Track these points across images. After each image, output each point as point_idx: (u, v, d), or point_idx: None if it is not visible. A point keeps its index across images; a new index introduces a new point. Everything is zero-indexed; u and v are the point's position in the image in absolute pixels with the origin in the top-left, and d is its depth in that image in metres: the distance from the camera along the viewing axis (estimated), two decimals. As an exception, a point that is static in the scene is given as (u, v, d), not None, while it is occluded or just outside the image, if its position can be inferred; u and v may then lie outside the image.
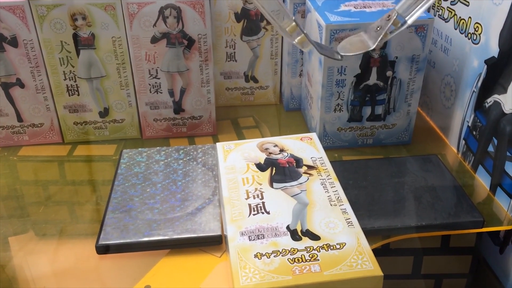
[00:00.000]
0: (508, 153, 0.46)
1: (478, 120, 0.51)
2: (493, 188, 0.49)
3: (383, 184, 0.49)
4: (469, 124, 0.53)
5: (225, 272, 0.41)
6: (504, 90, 0.47)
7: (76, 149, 0.58)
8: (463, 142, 0.55)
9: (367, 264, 0.30)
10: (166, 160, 0.53)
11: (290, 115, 0.65)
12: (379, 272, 0.30)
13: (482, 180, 0.51)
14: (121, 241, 0.42)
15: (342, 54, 0.44)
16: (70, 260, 0.44)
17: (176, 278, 0.41)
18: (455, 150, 0.56)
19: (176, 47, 0.54)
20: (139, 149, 0.54)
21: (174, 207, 0.46)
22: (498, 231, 0.47)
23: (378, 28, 0.42)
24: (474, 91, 0.52)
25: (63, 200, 0.51)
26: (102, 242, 0.42)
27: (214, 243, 0.43)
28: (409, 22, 0.41)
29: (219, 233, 0.43)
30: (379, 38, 0.41)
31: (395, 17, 0.41)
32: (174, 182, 0.49)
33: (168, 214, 0.45)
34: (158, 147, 0.55)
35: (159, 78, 0.56)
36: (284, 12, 0.40)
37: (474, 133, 0.52)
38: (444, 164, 0.52)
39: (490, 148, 0.49)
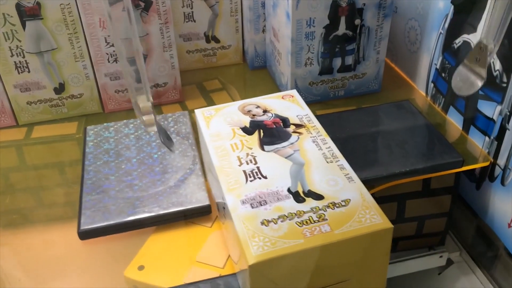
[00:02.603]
0: (480, 92, 0.47)
1: (446, 62, 0.52)
2: (466, 127, 0.50)
3: (361, 135, 0.49)
4: (437, 67, 0.53)
5: (219, 241, 0.40)
6: (474, 29, 0.47)
7: (33, 131, 0.53)
8: (432, 85, 0.55)
9: (375, 218, 0.30)
10: (136, 133, 0.50)
11: (256, 74, 0.63)
12: (389, 225, 0.29)
13: (454, 121, 0.52)
14: (105, 223, 0.40)
15: (461, 94, 0.47)
16: (52, 250, 0.41)
17: (170, 253, 0.39)
18: (424, 94, 0.57)
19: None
20: (105, 124, 0.51)
21: (154, 182, 0.43)
22: (474, 168, 0.49)
23: (478, 59, 0.44)
24: (441, 32, 0.52)
25: (29, 187, 0.48)
26: (84, 227, 0.39)
27: (204, 213, 0.41)
28: (499, 42, 0.43)
29: (207, 203, 0.41)
30: (486, 68, 0.44)
31: (487, 45, 0.43)
32: (150, 155, 0.47)
33: (149, 189, 0.43)
34: (125, 120, 0.51)
35: (116, 46, 0.52)
36: (145, 90, 0.41)
37: (443, 75, 0.53)
38: (417, 108, 0.52)
39: (461, 89, 0.50)
